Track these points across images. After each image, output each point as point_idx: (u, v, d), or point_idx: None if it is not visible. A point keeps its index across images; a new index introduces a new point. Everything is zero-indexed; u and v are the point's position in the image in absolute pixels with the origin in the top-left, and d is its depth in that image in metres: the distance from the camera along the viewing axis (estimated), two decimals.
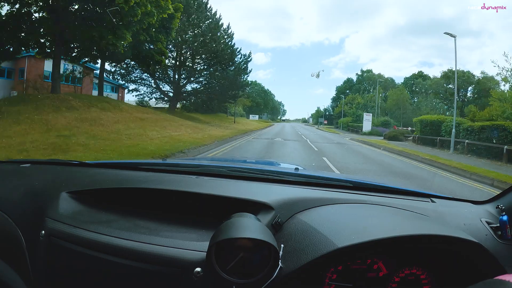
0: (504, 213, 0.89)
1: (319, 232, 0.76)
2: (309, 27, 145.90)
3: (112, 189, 1.01)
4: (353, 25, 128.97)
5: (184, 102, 31.05)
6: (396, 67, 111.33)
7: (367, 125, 37.58)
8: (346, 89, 76.90)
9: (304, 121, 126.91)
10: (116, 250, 0.79)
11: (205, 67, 26.87)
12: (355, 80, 76.98)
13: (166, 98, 29.19)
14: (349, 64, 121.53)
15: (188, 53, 26.58)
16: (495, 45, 75.36)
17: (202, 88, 29.17)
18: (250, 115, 65.69)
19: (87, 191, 1.01)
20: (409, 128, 33.62)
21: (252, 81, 78.52)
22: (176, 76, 27.94)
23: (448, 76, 57.67)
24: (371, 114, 38.68)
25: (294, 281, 0.71)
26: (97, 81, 24.35)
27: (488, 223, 0.91)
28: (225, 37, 27.11)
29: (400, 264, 0.83)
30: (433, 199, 1.07)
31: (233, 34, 27.69)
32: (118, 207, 0.97)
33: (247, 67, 31.61)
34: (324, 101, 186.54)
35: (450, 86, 55.81)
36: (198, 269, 0.72)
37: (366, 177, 3.64)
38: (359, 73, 76.93)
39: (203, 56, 26.44)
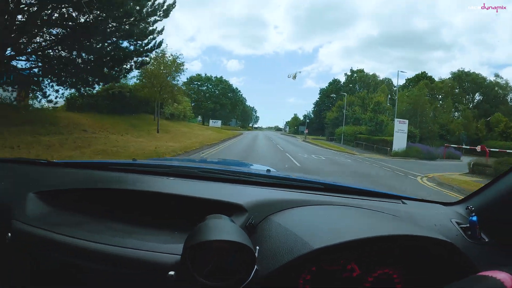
0: (473, 213, 0.89)
1: (294, 233, 0.76)
2: (283, 36, 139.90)
3: (82, 189, 0.99)
4: (326, 35, 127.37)
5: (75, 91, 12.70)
6: None
7: (401, 140, 21.94)
8: (332, 92, 63.85)
9: (278, 129, 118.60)
10: (86, 254, 0.76)
11: None
12: (342, 82, 64.08)
13: None
14: (322, 74, 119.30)
15: None
16: (465, 58, 77.48)
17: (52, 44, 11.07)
18: (211, 121, 48.31)
19: (56, 191, 0.98)
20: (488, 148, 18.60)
21: (216, 77, 61.59)
22: None
23: (460, 76, 47.65)
24: (406, 122, 22.99)
25: (269, 282, 0.71)
26: None
27: (458, 223, 0.93)
28: None
29: (373, 264, 0.82)
30: (404, 200, 1.08)
31: None
32: (88, 209, 0.94)
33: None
34: (297, 109, 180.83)
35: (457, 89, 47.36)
36: (171, 272, 0.70)
37: (338, 179, 2.90)
38: (349, 73, 63.99)
39: None
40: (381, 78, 59.92)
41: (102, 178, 1.10)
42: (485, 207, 0.93)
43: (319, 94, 68.27)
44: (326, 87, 68.07)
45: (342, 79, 65.14)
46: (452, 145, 23.95)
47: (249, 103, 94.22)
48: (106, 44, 11.29)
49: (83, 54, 11.64)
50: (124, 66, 12.77)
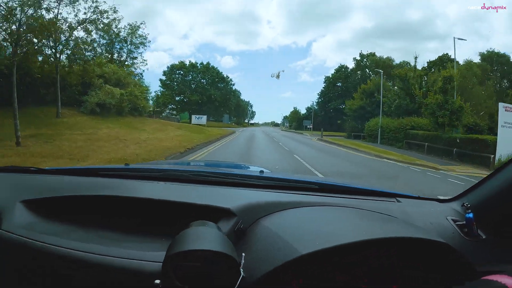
0: (469, 210, 0.88)
1: (281, 238, 0.75)
2: (277, 31, 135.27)
3: (70, 196, 0.98)
4: (320, 29, 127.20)
5: None
6: None
7: (509, 139, 12.07)
8: (340, 79, 54.70)
9: (275, 124, 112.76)
10: (73, 264, 0.76)
11: None
12: (350, 68, 54.64)
13: None
14: (316, 68, 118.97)
15: None
16: (459, 48, 74.91)
17: None
18: (194, 117, 37.78)
19: (44, 199, 0.97)
20: None
21: (202, 63, 50.97)
22: None
23: (491, 58, 38.82)
24: None
25: None
26: None
27: (454, 220, 0.91)
28: None
29: (367, 267, 0.81)
30: (398, 198, 1.06)
31: None
32: (76, 216, 0.94)
33: None
34: (293, 104, 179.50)
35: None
36: (157, 281, 0.68)
37: (333, 179, 2.51)
38: (358, 58, 54.40)
39: None
40: (397, 62, 50.23)
41: (92, 184, 1.07)
42: (481, 203, 0.91)
43: (324, 82, 58.24)
44: (332, 74, 58.32)
45: (336, 70, 56.85)
46: None
47: (245, 98, 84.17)
48: None
49: None
50: None
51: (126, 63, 23.99)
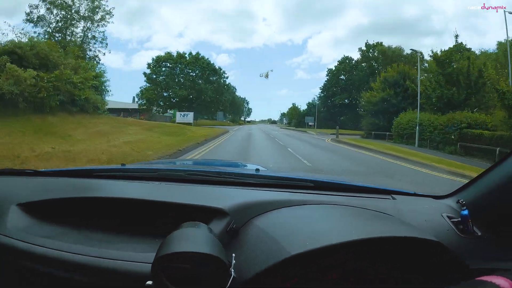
0: (465, 207, 0.87)
1: (272, 238, 0.75)
2: (272, 28, 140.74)
3: (65, 199, 0.98)
4: (316, 26, 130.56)
5: None
6: None
7: None
8: (343, 72, 50.23)
9: (272, 122, 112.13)
10: (67, 266, 0.77)
11: None
12: (355, 59, 50.02)
13: None
14: (312, 64, 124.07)
15: None
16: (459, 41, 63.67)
17: None
18: (179, 114, 32.77)
19: (40, 202, 0.97)
20: None
21: (190, 53, 45.40)
22: None
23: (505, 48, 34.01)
24: None
25: None
26: None
27: (450, 217, 0.90)
28: None
29: (359, 266, 0.81)
30: (393, 195, 1.05)
31: None
32: (71, 218, 0.94)
33: None
34: (290, 101, 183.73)
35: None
36: (149, 282, 0.68)
37: (329, 176, 2.73)
38: (364, 48, 49.72)
39: None
40: (407, 52, 45.14)
41: (86, 186, 1.08)
42: (477, 199, 0.90)
43: (327, 75, 53.34)
44: (335, 66, 53.35)
45: (333, 67, 53.13)
46: None
47: (240, 95, 78.99)
48: None
49: None
50: None
51: (85, 45, 18.58)
